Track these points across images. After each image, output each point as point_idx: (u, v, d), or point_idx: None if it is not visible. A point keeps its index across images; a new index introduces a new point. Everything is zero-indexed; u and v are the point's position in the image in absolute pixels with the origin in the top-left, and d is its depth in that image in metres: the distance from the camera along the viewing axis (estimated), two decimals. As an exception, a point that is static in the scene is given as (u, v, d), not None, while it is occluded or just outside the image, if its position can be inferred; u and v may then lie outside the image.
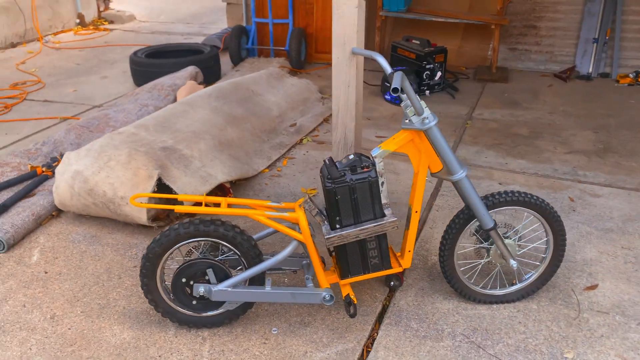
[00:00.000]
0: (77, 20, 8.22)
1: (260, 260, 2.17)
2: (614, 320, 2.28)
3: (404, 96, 2.08)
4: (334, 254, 2.28)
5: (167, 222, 2.96)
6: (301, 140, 4.09)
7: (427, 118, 2.03)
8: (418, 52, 4.95)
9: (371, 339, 2.22)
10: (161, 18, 9.13)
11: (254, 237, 2.28)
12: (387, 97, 4.85)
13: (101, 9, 8.69)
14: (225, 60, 5.97)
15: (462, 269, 2.37)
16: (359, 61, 2.47)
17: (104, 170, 2.84)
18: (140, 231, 2.94)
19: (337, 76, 2.46)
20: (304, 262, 2.34)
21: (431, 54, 4.92)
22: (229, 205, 2.72)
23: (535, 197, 2.23)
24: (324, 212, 2.18)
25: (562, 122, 4.45)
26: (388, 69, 2.15)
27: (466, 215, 2.24)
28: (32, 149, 3.58)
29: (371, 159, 2.11)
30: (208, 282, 2.12)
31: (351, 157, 2.13)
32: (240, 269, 2.21)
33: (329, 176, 2.05)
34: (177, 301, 2.17)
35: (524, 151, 3.91)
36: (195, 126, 3.41)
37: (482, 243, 2.34)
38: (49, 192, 3.13)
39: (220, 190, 3.19)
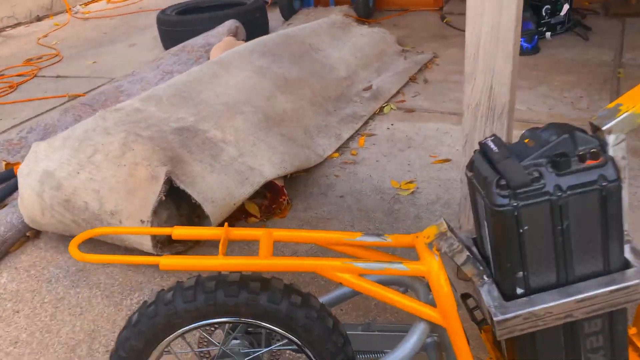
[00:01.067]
0: (110, -12, 7.30)
1: (347, 354, 1.04)
2: None
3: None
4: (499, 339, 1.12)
5: (186, 247, 1.90)
6: (381, 108, 2.90)
7: None
8: (535, -20, 3.58)
9: None
10: (203, -20, 8.05)
11: (324, 299, 1.16)
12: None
13: (136, -27, 7.71)
14: (274, 16, 4.82)
15: None
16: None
17: (85, 170, 1.80)
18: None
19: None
20: (429, 340, 1.19)
21: (553, -20, 3.54)
22: (276, 250, 1.62)
23: None
24: (480, 255, 1.01)
25: None
26: None
27: None
28: (15, 138, 2.62)
29: (598, 137, 0.91)
30: (240, 410, 1.02)
31: (546, 134, 0.94)
32: (307, 367, 1.09)
33: (506, 182, 0.87)
34: None
35: None
36: (230, 95, 2.30)
37: None
38: (24, 201, 2.14)
39: (268, 189, 2.08)
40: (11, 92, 3.85)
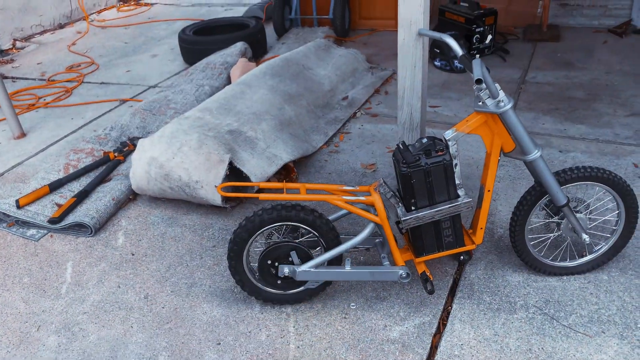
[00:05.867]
0: (118, -3, 8.31)
1: (338, 241, 2.29)
2: (687, 290, 2.32)
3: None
4: (405, 232, 2.38)
5: (237, 202, 3.11)
6: (354, 113, 4.14)
7: (502, 101, 2.06)
8: (467, 16, 4.85)
9: (446, 312, 2.33)
10: (198, -11, 9.11)
11: (330, 217, 2.39)
12: (437, 63, 4.81)
13: (140, -17, 8.74)
14: (268, 32, 5.99)
15: (532, 242, 2.43)
16: (424, 41, 2.49)
17: (177, 156, 2.98)
18: (214, 212, 3.10)
19: (402, 57, 2.49)
20: (377, 240, 2.44)
21: (481, 16, 4.82)
22: (308, 191, 2.86)
23: (608, 172, 2.25)
24: (398, 194, 2.26)
25: (620, 82, 4.33)
26: (459, 51, 2.17)
27: (537, 192, 2.28)
28: (102, 134, 3.76)
29: (444, 141, 2.16)
30: (292, 263, 2.26)
31: (424, 140, 2.19)
32: (319, 249, 2.34)
33: (404, 161, 2.12)
34: (263, 281, 2.32)
35: (582, 116, 3.85)
36: (256, 107, 3.50)
37: (552, 217, 2.39)
38: (124, 176, 3.31)
39: (284, 169, 3.30)
40: (69, 96, 4.95)
